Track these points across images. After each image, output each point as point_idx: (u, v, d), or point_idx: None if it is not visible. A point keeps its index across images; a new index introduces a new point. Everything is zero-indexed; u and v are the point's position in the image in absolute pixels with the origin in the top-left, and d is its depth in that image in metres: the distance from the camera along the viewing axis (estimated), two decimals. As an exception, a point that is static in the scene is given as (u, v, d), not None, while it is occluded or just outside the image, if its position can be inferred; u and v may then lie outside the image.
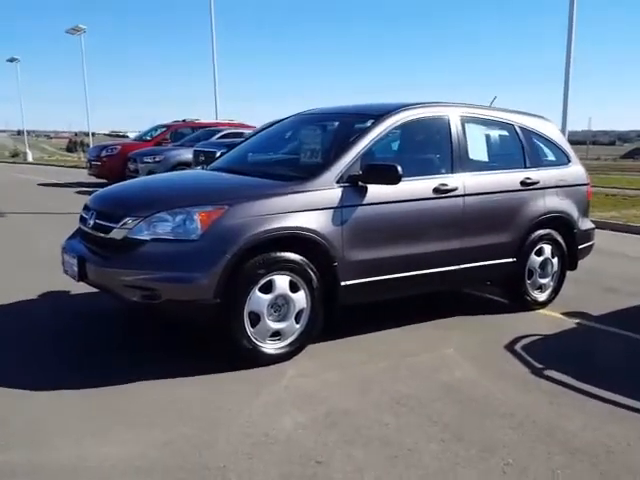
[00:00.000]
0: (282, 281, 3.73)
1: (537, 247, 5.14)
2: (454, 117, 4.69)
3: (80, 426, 2.95)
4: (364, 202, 4.03)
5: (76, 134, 43.31)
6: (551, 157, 5.44)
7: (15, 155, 50.56)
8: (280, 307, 3.78)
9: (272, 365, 3.76)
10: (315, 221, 3.81)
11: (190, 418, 3.05)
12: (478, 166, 4.78)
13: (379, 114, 4.43)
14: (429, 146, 4.88)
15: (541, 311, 5.21)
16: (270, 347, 3.76)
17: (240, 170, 4.45)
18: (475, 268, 4.71)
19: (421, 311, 4.99)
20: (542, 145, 5.41)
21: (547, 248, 5.22)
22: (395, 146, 4.68)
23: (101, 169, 14.61)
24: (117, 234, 3.67)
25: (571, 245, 5.39)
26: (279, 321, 3.78)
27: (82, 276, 3.78)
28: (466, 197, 4.56)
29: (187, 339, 4.19)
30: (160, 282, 3.47)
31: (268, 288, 3.70)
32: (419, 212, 4.33)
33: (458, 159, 4.62)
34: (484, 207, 4.71)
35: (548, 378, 3.72)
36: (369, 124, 4.35)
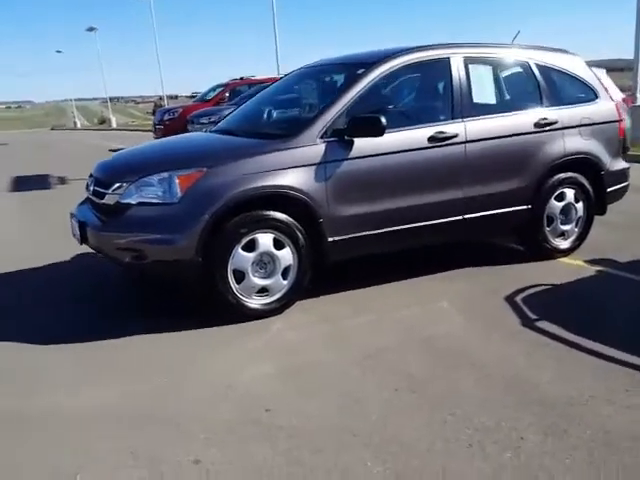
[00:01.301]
0: (266, 239, 3.81)
1: (557, 192, 4.89)
2: (455, 59, 4.48)
3: (67, 377, 3.22)
4: (349, 156, 3.99)
5: (160, 98, 44.64)
6: (574, 94, 5.10)
7: (102, 122, 53.23)
8: (266, 264, 3.87)
9: (262, 319, 3.88)
10: (296, 178, 3.83)
11: (168, 370, 3.25)
12: (484, 110, 4.57)
13: (369, 62, 4.31)
14: (426, 93, 4.73)
15: (563, 259, 4.99)
16: (257, 302, 3.88)
17: (234, 131, 4.51)
18: (483, 218, 4.56)
19: (429, 263, 4.92)
20: (564, 82, 5.06)
21: (569, 192, 4.95)
22: (388, 95, 4.53)
23: (164, 132, 15.06)
24: (109, 199, 3.87)
25: (598, 188, 5.07)
26: (265, 278, 3.87)
27: (83, 239, 4.04)
28: (468, 144, 4.39)
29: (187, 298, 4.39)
30: (145, 244, 3.66)
31: (252, 246, 3.79)
32: (412, 163, 4.22)
33: (459, 104, 4.44)
34: (490, 153, 4.51)
35: (538, 329, 3.61)
36: (359, 73, 4.25)
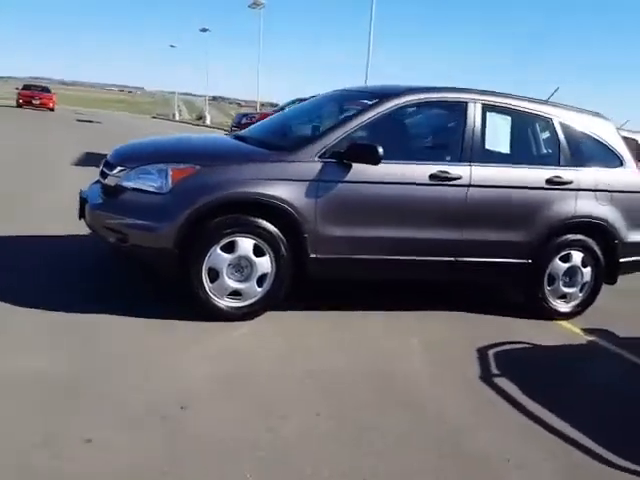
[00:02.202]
0: (246, 244, 3.90)
1: (563, 252, 4.77)
2: (472, 105, 4.48)
3: (21, 341, 3.38)
4: (345, 179, 4.04)
5: (262, 104, 46.25)
6: (597, 158, 4.97)
7: (199, 118, 55.51)
8: (243, 268, 3.96)
9: (231, 322, 3.96)
10: (286, 191, 3.91)
11: (108, 352, 3.36)
12: (495, 158, 4.53)
13: (384, 94, 4.38)
14: (437, 132, 4.75)
15: (561, 322, 4.85)
16: (228, 304, 3.97)
17: (247, 138, 4.63)
18: (476, 264, 4.51)
19: (425, 299, 4.93)
20: (588, 144, 4.96)
21: (577, 255, 4.81)
22: (397, 128, 4.56)
23: (239, 135, 15.88)
24: (111, 181, 4.08)
25: (610, 257, 4.91)
26: (240, 281, 3.96)
27: (81, 215, 4.27)
28: (471, 188, 4.36)
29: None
30: (128, 228, 3.84)
31: (231, 248, 3.89)
32: (408, 196, 4.24)
33: (469, 148, 4.42)
34: (492, 201, 4.46)
35: (492, 385, 3.53)
36: (370, 103, 4.33)
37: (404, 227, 4.25)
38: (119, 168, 4.03)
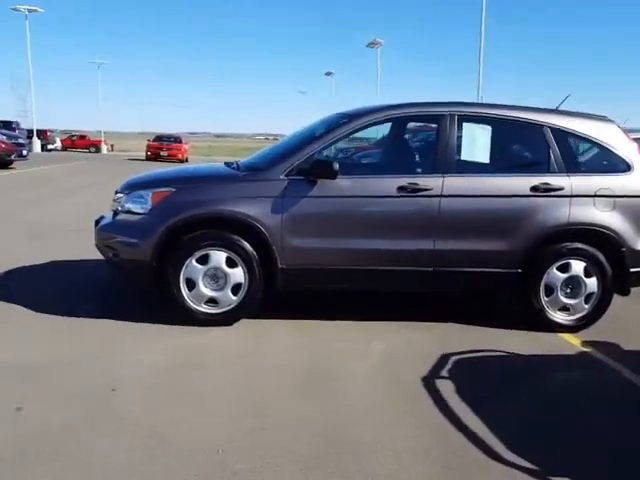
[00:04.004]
0: (218, 256, 4.30)
1: (561, 262, 4.60)
2: (446, 117, 4.55)
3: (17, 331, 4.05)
4: (309, 194, 4.32)
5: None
6: (598, 163, 4.78)
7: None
8: (218, 278, 4.36)
9: (211, 327, 4.35)
10: (252, 207, 4.27)
11: (89, 351, 3.87)
12: (472, 168, 4.57)
13: (353, 113, 4.63)
14: (410, 146, 4.84)
15: (561, 334, 4.65)
16: (205, 311, 4.37)
17: (239, 164, 5.01)
18: (456, 273, 4.52)
19: (426, 310, 5.03)
20: (588, 150, 4.78)
21: (577, 265, 4.62)
22: (365, 145, 4.76)
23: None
24: (113, 205, 4.71)
25: (618, 266, 4.64)
26: (216, 290, 4.35)
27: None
28: (444, 198, 4.42)
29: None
30: (119, 244, 4.43)
31: (205, 260, 4.31)
32: (374, 208, 4.41)
33: (442, 160, 4.50)
34: (469, 210, 4.48)
35: (429, 387, 3.54)
36: (340, 122, 4.59)
37: (371, 238, 4.41)
38: (119, 195, 4.64)
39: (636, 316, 5.28)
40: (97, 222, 4.92)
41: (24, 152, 20.64)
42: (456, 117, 4.58)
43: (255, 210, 4.27)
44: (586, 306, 4.68)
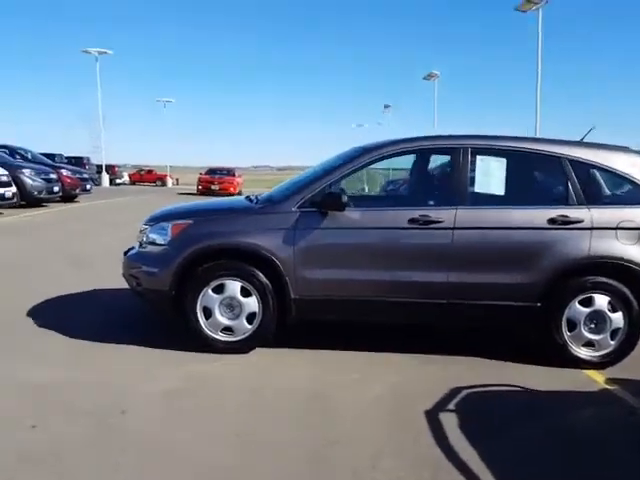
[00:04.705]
0: (233, 286, 4.42)
1: (583, 296, 4.48)
2: (460, 150, 4.55)
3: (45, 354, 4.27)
4: (320, 226, 4.40)
5: None
6: (621, 195, 4.65)
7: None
8: (234, 307, 4.47)
9: (227, 354, 4.45)
10: (265, 238, 4.38)
11: (107, 374, 4.05)
12: (486, 200, 4.53)
13: (367, 147, 4.71)
14: (423, 178, 4.85)
15: (585, 371, 4.50)
16: (222, 339, 4.48)
17: (258, 196, 5.10)
18: (471, 306, 4.47)
19: (440, 342, 5.00)
20: (608, 181, 4.67)
21: (601, 299, 4.47)
22: (377, 177, 4.81)
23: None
24: (139, 237, 4.92)
25: (647, 300, 4.48)
26: (231, 319, 4.46)
27: (124, 266, 5.13)
28: (456, 230, 4.40)
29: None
30: (141, 273, 4.62)
31: (220, 289, 4.44)
32: (387, 241, 4.43)
33: (455, 192, 4.50)
34: (483, 243, 4.43)
35: (432, 420, 3.50)
36: (353, 155, 4.68)
37: (383, 269, 4.42)
38: (144, 226, 4.86)
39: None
40: (126, 253, 5.14)
41: (88, 186, 21.70)
42: (469, 150, 4.59)
43: (268, 241, 4.38)
44: (612, 342, 4.52)
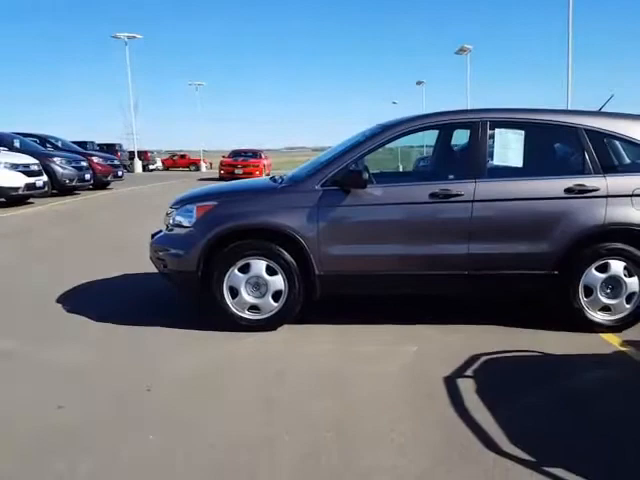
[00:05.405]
0: (259, 265, 4.61)
1: (599, 262, 4.59)
2: (478, 124, 4.65)
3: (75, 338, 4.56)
4: (343, 204, 4.56)
5: None
6: (636, 162, 4.72)
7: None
8: (260, 286, 4.68)
9: (252, 332, 4.67)
10: (289, 217, 4.56)
11: (137, 355, 4.31)
12: (504, 173, 4.64)
13: (387, 124, 4.83)
14: (443, 153, 4.96)
15: (600, 335, 4.62)
16: (248, 317, 4.70)
17: (283, 177, 5.30)
18: (491, 276, 4.61)
19: (463, 313, 5.18)
20: (626, 150, 4.73)
21: (617, 265, 4.58)
22: (397, 154, 4.92)
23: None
24: (166, 220, 5.14)
25: (661, 265, 4.56)
26: (258, 297, 4.67)
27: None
28: (476, 203, 4.53)
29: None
30: (167, 255, 4.84)
31: (246, 269, 4.65)
32: (408, 215, 4.58)
33: (474, 165, 4.62)
34: (502, 214, 4.55)
35: (450, 385, 3.68)
36: (374, 133, 4.81)
37: (405, 243, 4.58)
38: (170, 209, 5.08)
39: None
40: (153, 236, 5.34)
41: (119, 173, 22.20)
42: (488, 123, 4.68)
43: (292, 220, 4.56)
44: (627, 306, 4.63)
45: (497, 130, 4.68)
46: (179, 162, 51.10)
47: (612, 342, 4.47)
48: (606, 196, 4.51)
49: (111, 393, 3.61)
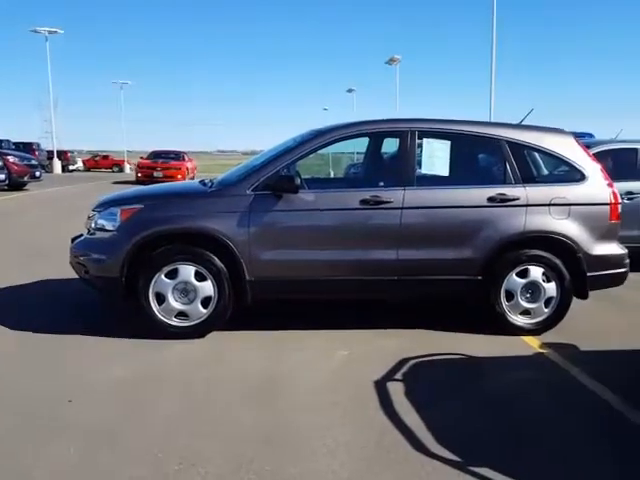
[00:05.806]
0: (187, 270, 4.50)
1: (520, 268, 4.78)
2: (407, 133, 4.76)
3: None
4: (274, 209, 4.54)
5: None
6: (554, 174, 4.98)
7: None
8: (188, 292, 4.57)
9: (180, 339, 4.55)
10: (218, 222, 4.48)
11: (57, 365, 4.14)
12: (432, 181, 4.78)
13: (320, 130, 4.86)
14: (373, 161, 5.08)
15: (523, 337, 4.81)
16: (177, 324, 4.58)
17: (213, 180, 5.19)
18: (420, 281, 4.71)
19: (398, 318, 5.23)
20: (544, 161, 4.99)
21: (535, 270, 4.78)
22: (328, 161, 4.98)
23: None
24: (87, 224, 4.94)
25: (576, 271, 4.80)
26: (186, 304, 4.56)
27: (71, 255, 5.11)
28: (405, 210, 4.62)
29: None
30: (88, 261, 4.66)
31: (174, 274, 4.53)
32: (339, 221, 4.61)
33: (403, 173, 4.72)
34: (429, 221, 4.67)
35: (379, 387, 3.73)
36: (307, 138, 4.82)
37: (336, 249, 4.61)
38: (92, 212, 4.88)
39: (600, 318, 5.41)
40: (73, 240, 5.10)
41: (37, 173, 21.18)
42: (416, 133, 4.79)
43: (223, 225, 4.48)
44: (546, 310, 4.85)
45: (425, 140, 4.80)
46: (101, 163, 49.29)
47: (532, 344, 4.67)
48: (526, 205, 4.72)
49: (26, 405, 3.43)
